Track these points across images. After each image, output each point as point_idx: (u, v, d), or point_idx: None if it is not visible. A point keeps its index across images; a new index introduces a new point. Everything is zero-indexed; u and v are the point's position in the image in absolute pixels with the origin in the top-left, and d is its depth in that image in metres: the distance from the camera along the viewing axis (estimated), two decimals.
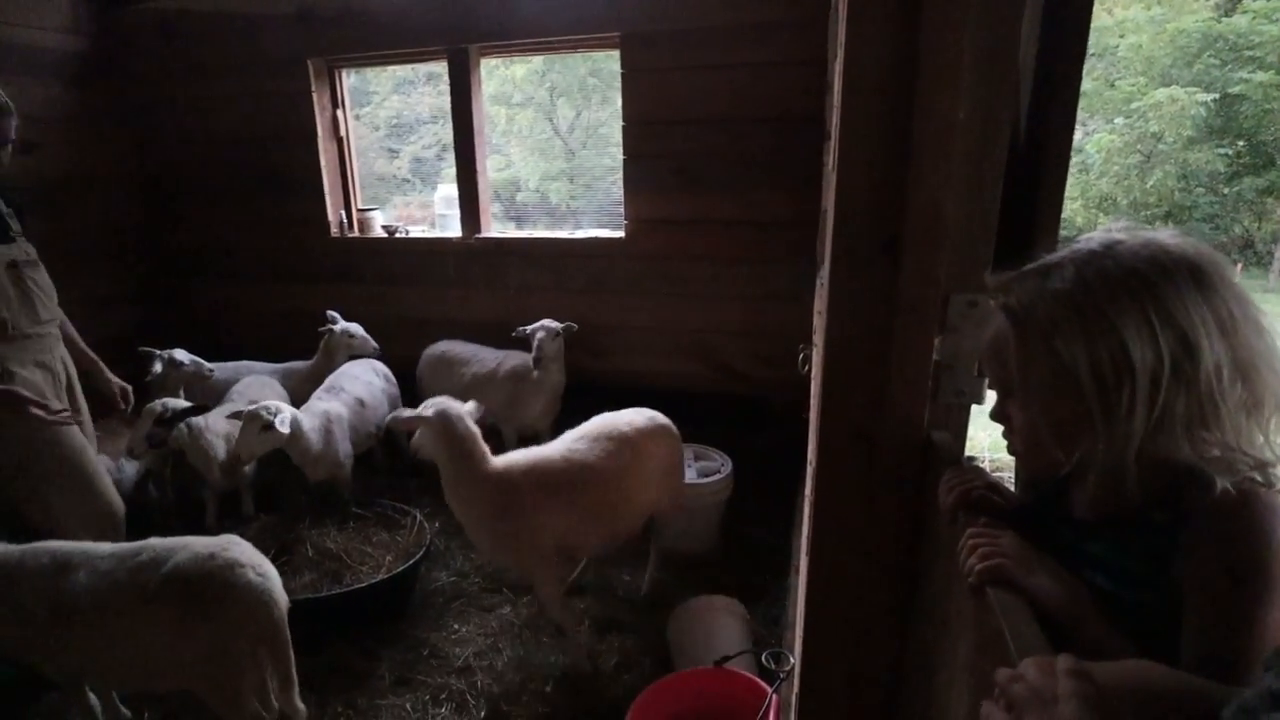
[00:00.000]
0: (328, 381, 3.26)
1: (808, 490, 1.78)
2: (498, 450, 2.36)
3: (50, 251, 2.42)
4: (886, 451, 1.08)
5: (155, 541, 1.88)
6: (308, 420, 2.83)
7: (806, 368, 2.34)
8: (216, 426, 2.95)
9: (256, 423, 2.60)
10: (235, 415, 2.73)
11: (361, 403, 3.20)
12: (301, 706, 1.96)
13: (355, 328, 3.55)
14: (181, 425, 2.79)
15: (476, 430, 2.26)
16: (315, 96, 3.85)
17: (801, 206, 3.16)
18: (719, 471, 3.04)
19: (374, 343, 3.56)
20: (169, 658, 1.78)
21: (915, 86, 0.96)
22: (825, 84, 2.93)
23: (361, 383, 3.31)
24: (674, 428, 2.64)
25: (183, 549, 1.82)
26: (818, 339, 1.60)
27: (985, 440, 4.17)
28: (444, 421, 2.19)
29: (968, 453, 1.13)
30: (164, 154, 4.25)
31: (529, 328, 3.29)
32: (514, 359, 3.45)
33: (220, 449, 2.93)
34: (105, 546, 1.89)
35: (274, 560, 2.63)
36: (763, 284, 3.39)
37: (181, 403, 2.82)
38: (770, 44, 3.11)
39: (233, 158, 4.11)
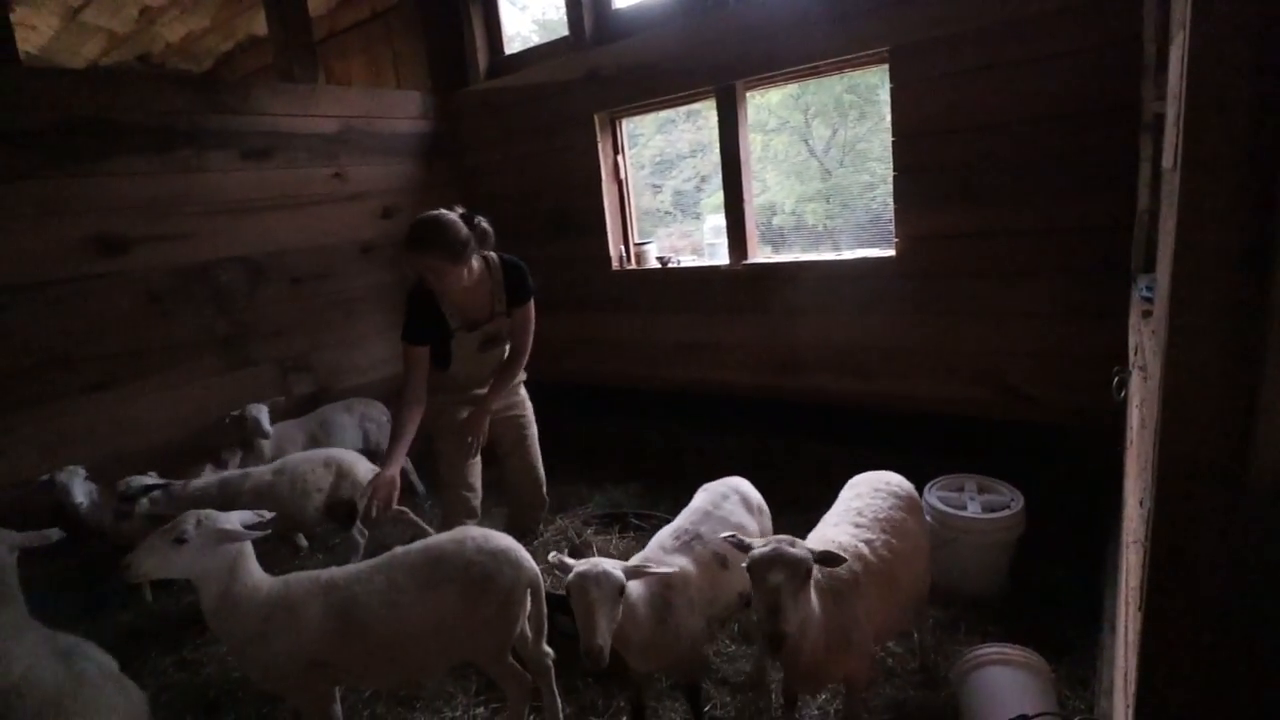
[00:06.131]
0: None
1: (1127, 534, 1.54)
2: None
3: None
4: (1255, 496, 0.91)
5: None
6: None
7: (1123, 393, 2.03)
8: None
9: None
10: None
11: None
12: (550, 650, 2.30)
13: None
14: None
15: None
16: (600, 145, 4.33)
17: (1105, 210, 2.77)
18: (1007, 506, 2.75)
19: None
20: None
21: None
22: (1141, 67, 2.54)
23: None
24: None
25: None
26: (1147, 361, 1.39)
27: None
28: None
29: None
30: (484, 209, 5.07)
31: None
32: None
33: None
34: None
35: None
36: (1058, 299, 3.01)
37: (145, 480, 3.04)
38: (1061, 33, 2.78)
39: (534, 206, 4.77)
